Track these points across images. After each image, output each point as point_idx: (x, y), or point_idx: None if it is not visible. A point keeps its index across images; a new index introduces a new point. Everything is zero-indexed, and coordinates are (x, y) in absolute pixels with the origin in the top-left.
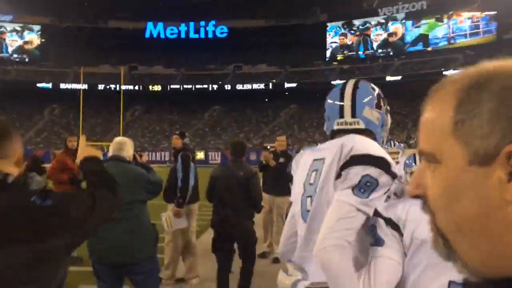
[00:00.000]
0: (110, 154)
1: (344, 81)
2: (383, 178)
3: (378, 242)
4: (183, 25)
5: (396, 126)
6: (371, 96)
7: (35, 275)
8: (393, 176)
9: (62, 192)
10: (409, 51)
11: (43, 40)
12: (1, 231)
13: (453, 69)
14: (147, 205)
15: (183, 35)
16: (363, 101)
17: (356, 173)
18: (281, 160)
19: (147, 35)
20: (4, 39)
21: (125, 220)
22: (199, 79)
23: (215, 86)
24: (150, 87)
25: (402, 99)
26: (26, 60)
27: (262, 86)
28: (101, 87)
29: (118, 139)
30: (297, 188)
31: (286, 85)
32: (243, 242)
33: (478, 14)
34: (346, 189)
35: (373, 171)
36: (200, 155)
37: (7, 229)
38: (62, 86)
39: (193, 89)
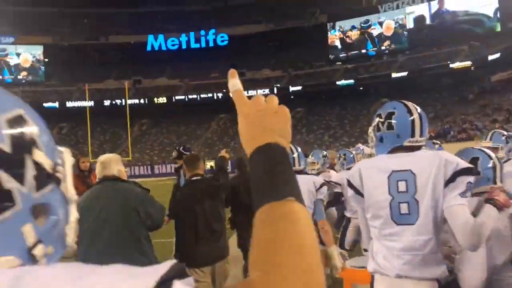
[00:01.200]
0: (97, 175)
1: (403, 101)
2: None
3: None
4: (183, 35)
5: None
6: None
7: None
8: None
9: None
10: (413, 47)
11: (46, 59)
12: (207, 195)
13: (460, 62)
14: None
15: (184, 46)
16: (426, 123)
17: (465, 181)
18: None
19: (149, 48)
20: (8, 62)
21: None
22: (204, 89)
23: (220, 95)
24: (155, 99)
25: (410, 95)
26: (31, 80)
27: (267, 91)
28: (107, 102)
29: (101, 158)
30: (378, 197)
31: (291, 88)
32: None
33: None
34: (456, 195)
35: (472, 178)
36: (210, 164)
37: (209, 194)
38: (69, 104)
39: (198, 98)
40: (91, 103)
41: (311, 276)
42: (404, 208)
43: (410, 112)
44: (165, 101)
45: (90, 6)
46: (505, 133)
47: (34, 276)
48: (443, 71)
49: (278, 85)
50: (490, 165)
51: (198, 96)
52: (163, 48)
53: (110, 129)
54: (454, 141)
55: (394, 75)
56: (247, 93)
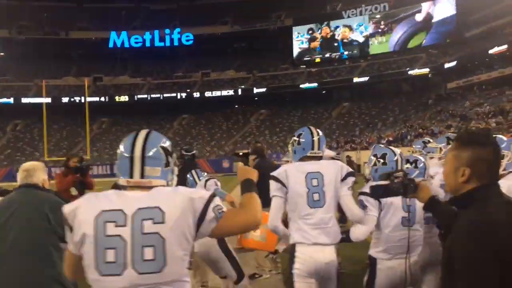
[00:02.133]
0: (18, 182)
1: (310, 127)
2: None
3: (364, 207)
4: (147, 33)
5: (366, 127)
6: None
7: None
8: None
9: None
10: (374, 53)
11: (1, 54)
12: None
13: (418, 69)
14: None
15: (148, 44)
16: (324, 142)
17: (351, 180)
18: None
19: (111, 44)
20: None
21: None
22: (167, 88)
23: (183, 94)
24: (117, 97)
25: (370, 100)
26: None
27: (231, 92)
28: (65, 100)
29: (25, 165)
30: (298, 189)
31: (255, 90)
32: None
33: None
34: (347, 188)
35: (354, 179)
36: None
37: None
38: (24, 100)
39: (161, 98)
40: (48, 100)
41: (257, 215)
42: (316, 196)
43: (312, 134)
44: (126, 99)
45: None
46: (427, 139)
47: None
48: (402, 77)
49: (243, 87)
50: (395, 158)
51: (161, 96)
52: (126, 45)
53: (68, 126)
54: (411, 145)
55: (356, 79)
56: (212, 93)
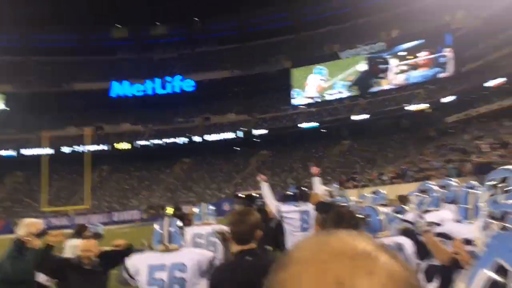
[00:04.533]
0: None
1: None
2: None
3: None
4: (148, 81)
5: (366, 164)
6: None
7: None
8: None
9: None
10: (373, 90)
11: (7, 108)
12: None
13: (415, 104)
14: None
15: (149, 92)
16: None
17: None
18: None
19: (113, 94)
20: None
21: None
22: (168, 133)
23: (184, 139)
24: (117, 145)
25: (370, 136)
26: None
27: (232, 135)
28: (66, 150)
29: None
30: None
31: (256, 132)
32: None
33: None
34: None
35: None
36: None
37: None
38: (25, 152)
39: (162, 143)
40: (50, 151)
41: None
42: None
43: None
44: (127, 146)
45: (54, 54)
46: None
47: None
48: (401, 113)
49: (243, 129)
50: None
51: (162, 141)
52: (128, 94)
53: (68, 176)
54: (413, 181)
55: (354, 117)
56: (212, 136)
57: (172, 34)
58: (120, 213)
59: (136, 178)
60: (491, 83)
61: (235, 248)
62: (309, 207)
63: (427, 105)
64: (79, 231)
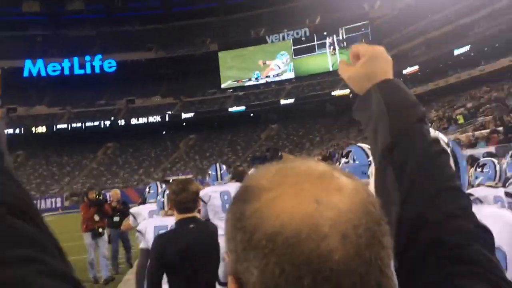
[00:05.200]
0: None
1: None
2: None
3: None
4: (66, 61)
5: (295, 148)
6: None
7: None
8: None
9: None
10: (299, 76)
11: None
12: None
13: (340, 90)
14: None
15: (67, 72)
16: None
17: None
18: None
19: (26, 74)
20: None
21: None
22: (89, 117)
23: (107, 123)
24: (34, 129)
25: (297, 121)
26: None
27: (158, 118)
28: None
29: None
30: (217, 202)
31: (183, 115)
32: None
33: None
34: None
35: None
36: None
37: None
38: None
39: (83, 127)
40: None
41: None
42: (227, 206)
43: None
44: (44, 130)
45: None
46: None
47: None
48: (326, 98)
49: (170, 112)
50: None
51: (83, 125)
52: (43, 74)
53: None
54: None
55: (282, 101)
56: (138, 120)
57: (89, 10)
58: (40, 201)
59: (56, 164)
60: (405, 71)
61: (177, 216)
62: (230, 187)
63: (348, 90)
64: None
